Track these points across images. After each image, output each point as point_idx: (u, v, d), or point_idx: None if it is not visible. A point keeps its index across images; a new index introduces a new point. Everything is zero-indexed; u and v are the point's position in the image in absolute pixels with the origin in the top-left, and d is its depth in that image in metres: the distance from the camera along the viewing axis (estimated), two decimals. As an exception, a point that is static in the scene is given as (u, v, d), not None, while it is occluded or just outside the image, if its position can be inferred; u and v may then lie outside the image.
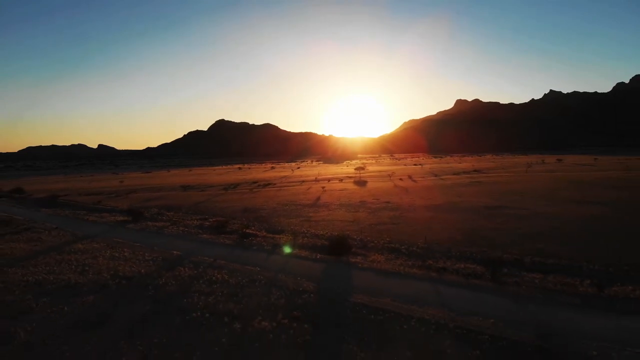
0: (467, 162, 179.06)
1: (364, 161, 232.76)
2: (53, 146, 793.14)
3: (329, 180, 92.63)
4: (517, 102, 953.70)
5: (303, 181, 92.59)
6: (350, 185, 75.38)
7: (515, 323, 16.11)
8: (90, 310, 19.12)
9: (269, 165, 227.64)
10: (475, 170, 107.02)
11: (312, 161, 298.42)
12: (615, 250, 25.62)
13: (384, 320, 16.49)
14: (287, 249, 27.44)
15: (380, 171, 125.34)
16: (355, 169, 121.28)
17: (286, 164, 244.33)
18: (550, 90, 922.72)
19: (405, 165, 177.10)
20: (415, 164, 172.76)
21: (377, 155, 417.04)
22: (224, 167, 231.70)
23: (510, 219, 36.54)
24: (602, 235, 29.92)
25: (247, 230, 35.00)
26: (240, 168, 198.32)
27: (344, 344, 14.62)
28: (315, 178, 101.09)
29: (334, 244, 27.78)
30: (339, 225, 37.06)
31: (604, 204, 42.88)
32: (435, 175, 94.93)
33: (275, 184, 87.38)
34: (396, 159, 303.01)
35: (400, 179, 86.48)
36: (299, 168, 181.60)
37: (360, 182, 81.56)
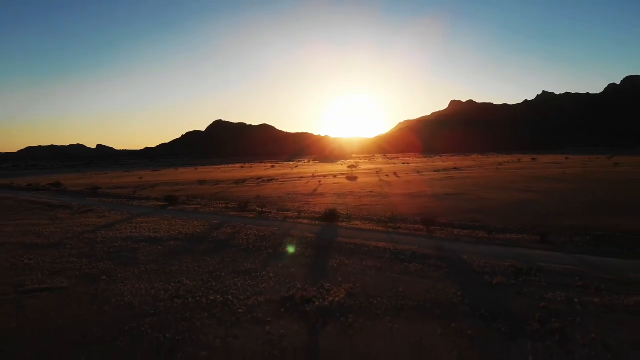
0: (451, 161, 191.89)
1: (358, 160, 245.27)
2: (52, 146, 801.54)
3: (324, 176, 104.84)
4: (510, 102, 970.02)
5: (302, 177, 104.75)
6: (343, 180, 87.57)
7: (429, 247, 28.13)
8: (176, 247, 30.94)
9: (269, 164, 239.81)
10: (454, 168, 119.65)
11: (309, 161, 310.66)
12: (521, 218, 37.73)
13: (354, 247, 28.51)
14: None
15: (371, 169, 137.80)
16: (348, 167, 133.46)
17: (285, 163, 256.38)
18: (544, 91, 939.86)
19: (394, 164, 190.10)
20: (403, 163, 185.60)
21: (370, 155, 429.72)
22: (226, 165, 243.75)
23: (459, 202, 48.69)
24: (520, 211, 42.04)
25: (263, 209, 46.96)
26: (242, 167, 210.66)
27: (330, 254, 26.64)
28: (313, 175, 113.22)
29: (327, 215, 39.77)
30: (331, 206, 48.99)
31: (538, 192, 55.13)
32: (418, 172, 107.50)
33: (277, 179, 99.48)
34: (388, 158, 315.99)
35: (387, 175, 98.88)
36: (297, 167, 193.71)
37: (352, 178, 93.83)
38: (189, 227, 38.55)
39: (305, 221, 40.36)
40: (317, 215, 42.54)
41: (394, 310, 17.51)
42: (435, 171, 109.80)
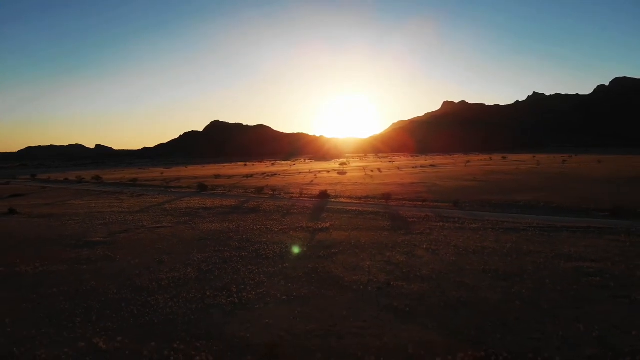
0: (432, 160, 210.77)
1: (350, 159, 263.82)
2: (51, 146, 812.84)
3: (319, 172, 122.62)
4: (502, 103, 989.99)
5: (300, 172, 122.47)
6: (334, 175, 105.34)
7: (382, 209, 45.79)
8: (224, 211, 48.24)
9: (269, 162, 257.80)
10: (431, 165, 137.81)
11: (304, 159, 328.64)
12: (453, 196, 55.43)
13: (337, 209, 46.13)
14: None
15: (360, 166, 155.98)
16: (340, 164, 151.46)
17: (283, 162, 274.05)
18: (534, 92, 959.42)
19: (381, 162, 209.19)
20: (389, 161, 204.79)
21: (363, 155, 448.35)
22: (230, 164, 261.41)
23: (418, 187, 66.45)
24: (456, 192, 59.75)
25: (274, 192, 64.50)
26: (245, 165, 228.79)
27: (322, 212, 44.31)
28: (309, 171, 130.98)
29: (320, 194, 57.38)
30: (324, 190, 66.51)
31: (479, 181, 72.97)
32: (398, 169, 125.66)
33: (279, 174, 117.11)
34: (378, 157, 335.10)
35: (372, 171, 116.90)
36: (294, 165, 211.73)
37: (342, 173, 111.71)
38: (226, 202, 56.02)
39: (306, 199, 57.97)
40: (313, 195, 60.16)
41: (353, 229, 35.12)
42: (413, 167, 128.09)
